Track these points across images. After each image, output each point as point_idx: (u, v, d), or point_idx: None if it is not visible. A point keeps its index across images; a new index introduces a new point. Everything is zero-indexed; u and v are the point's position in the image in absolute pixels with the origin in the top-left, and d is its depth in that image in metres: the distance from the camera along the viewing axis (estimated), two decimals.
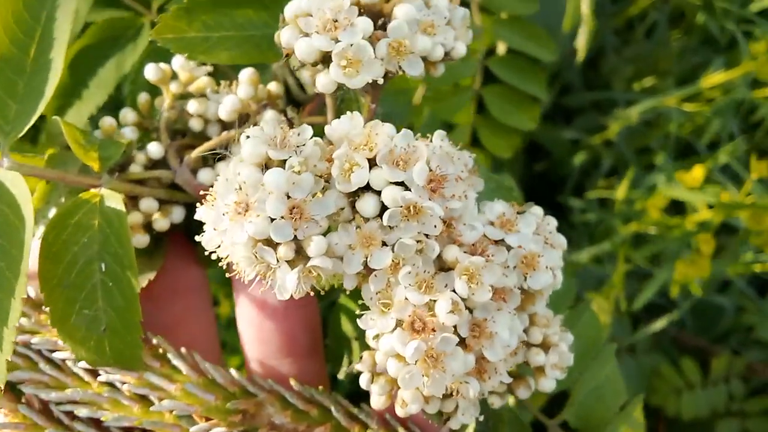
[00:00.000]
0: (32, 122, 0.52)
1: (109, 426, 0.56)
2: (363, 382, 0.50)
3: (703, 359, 1.53)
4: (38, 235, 0.51)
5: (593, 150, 1.61)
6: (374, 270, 0.45)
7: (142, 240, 0.56)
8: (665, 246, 1.27)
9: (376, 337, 0.46)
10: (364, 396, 0.52)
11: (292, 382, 0.57)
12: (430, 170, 0.45)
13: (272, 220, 0.42)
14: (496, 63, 0.98)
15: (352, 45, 0.45)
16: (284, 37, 0.46)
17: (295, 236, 0.43)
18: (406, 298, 0.45)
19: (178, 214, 0.58)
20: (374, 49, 0.46)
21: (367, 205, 0.44)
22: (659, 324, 1.40)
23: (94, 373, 0.56)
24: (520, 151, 1.51)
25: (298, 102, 0.64)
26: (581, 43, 1.12)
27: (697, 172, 1.22)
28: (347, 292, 0.47)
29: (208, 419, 0.55)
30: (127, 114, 0.60)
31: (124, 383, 0.55)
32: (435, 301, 0.45)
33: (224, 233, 0.43)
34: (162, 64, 0.58)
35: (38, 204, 0.56)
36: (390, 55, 0.47)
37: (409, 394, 0.48)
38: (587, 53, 1.50)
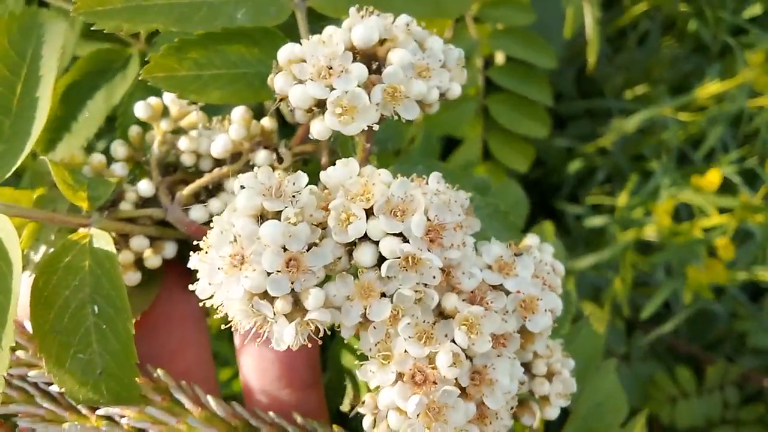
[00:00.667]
0: (19, 162, 0.51)
1: None
2: (366, 425, 0.50)
3: (698, 367, 1.53)
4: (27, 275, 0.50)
5: (587, 158, 1.61)
6: (373, 321, 0.44)
7: (134, 278, 0.56)
8: (674, 253, 1.26)
9: (377, 389, 0.46)
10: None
11: (294, 415, 0.57)
12: (428, 220, 0.44)
13: (269, 273, 0.41)
14: (497, 72, 0.97)
15: (347, 92, 0.44)
16: (278, 83, 0.45)
17: (293, 289, 0.42)
18: (406, 351, 0.44)
19: (170, 250, 0.57)
20: (369, 96, 0.45)
21: (364, 255, 0.44)
22: (658, 332, 1.40)
23: (93, 407, 0.55)
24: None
25: (291, 124, 0.63)
26: (590, 56, 1.12)
27: (713, 176, 1.21)
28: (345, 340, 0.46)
29: None
30: (118, 148, 0.59)
31: (123, 417, 0.55)
32: (435, 352, 0.44)
33: (219, 287, 0.42)
34: (152, 99, 0.57)
35: (27, 242, 0.55)
36: (385, 100, 0.46)
37: None
38: (579, 62, 1.50)
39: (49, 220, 0.53)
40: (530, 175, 1.71)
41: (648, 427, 1.54)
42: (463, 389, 0.45)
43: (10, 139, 0.52)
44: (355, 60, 0.45)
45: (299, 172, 0.44)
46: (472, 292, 0.47)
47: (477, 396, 0.46)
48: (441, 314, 0.46)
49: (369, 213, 0.44)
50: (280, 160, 0.54)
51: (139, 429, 0.55)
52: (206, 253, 0.44)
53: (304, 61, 0.45)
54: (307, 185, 0.44)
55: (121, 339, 0.50)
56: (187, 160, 0.57)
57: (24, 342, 0.56)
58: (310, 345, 0.44)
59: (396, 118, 0.47)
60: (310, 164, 0.59)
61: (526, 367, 0.54)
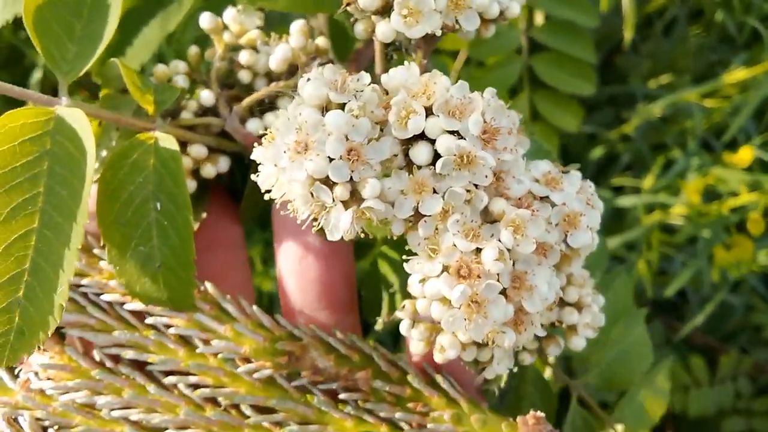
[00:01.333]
0: (90, 63, 0.53)
1: (152, 370, 0.57)
2: (403, 328, 0.52)
3: (712, 357, 1.54)
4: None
5: (610, 144, 1.62)
6: (423, 216, 0.47)
7: (190, 185, 0.58)
8: (700, 230, 1.27)
9: (422, 281, 0.48)
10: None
11: (333, 330, 0.59)
12: (485, 122, 0.46)
13: (331, 160, 0.44)
14: (540, 32, 0.99)
15: None
16: None
17: (351, 178, 0.44)
18: (454, 245, 0.46)
19: (224, 163, 0.60)
20: (434, 1, 0.47)
21: (421, 152, 0.46)
22: (689, 327, 1.40)
23: (141, 317, 0.57)
24: None
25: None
26: (627, 32, 1.13)
27: (745, 153, 1.22)
28: (394, 237, 0.48)
29: (251, 364, 0.56)
30: (179, 65, 0.61)
31: (170, 326, 0.57)
32: (481, 249, 0.46)
33: (283, 170, 0.44)
34: (215, 15, 0.59)
35: None
36: (448, 8, 0.48)
37: (448, 340, 0.49)
38: (604, 48, 1.51)
39: (115, 121, 0.55)
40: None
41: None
42: (504, 290, 0.47)
43: (82, 41, 0.54)
44: None
45: (363, 72, 0.47)
46: (519, 199, 0.49)
47: (516, 299, 0.47)
48: (487, 220, 0.48)
49: (428, 112, 0.46)
50: None
51: (186, 339, 0.58)
52: (271, 142, 0.46)
53: None
54: (370, 83, 0.46)
55: (181, 235, 0.52)
56: (244, 77, 0.60)
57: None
58: (362, 235, 0.46)
59: (457, 27, 0.49)
60: None
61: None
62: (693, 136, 1.46)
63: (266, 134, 0.47)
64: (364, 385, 0.57)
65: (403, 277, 0.51)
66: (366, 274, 0.65)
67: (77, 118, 0.50)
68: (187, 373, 0.57)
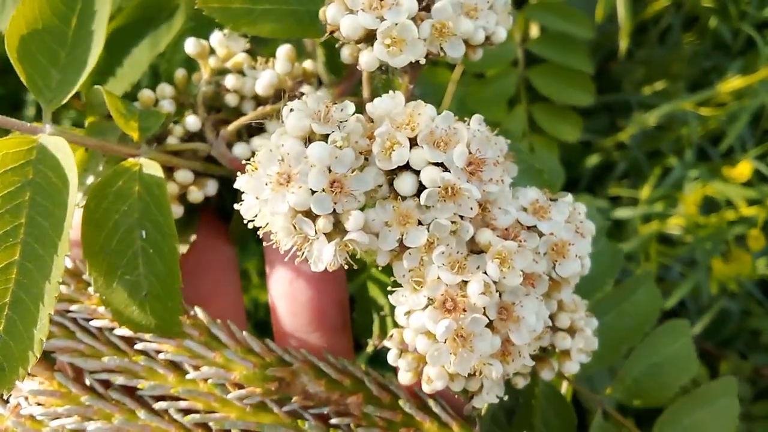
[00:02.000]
0: (74, 91, 0.53)
1: (143, 395, 0.57)
2: (391, 358, 0.51)
3: (711, 363, 1.53)
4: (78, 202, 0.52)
5: (605, 152, 1.62)
6: (408, 248, 0.46)
7: (176, 211, 0.57)
8: (700, 244, 1.27)
9: (407, 313, 0.47)
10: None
11: (325, 354, 0.58)
12: (470, 153, 0.45)
13: (313, 192, 0.43)
14: (535, 44, 0.99)
15: (397, 24, 0.46)
16: (330, 13, 0.47)
17: (334, 210, 0.44)
18: (439, 278, 0.45)
19: (211, 187, 0.59)
20: (418, 29, 0.46)
21: (405, 183, 0.45)
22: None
23: (130, 342, 0.57)
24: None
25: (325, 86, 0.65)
26: (623, 41, 1.13)
27: (743, 167, 1.22)
28: (379, 268, 0.48)
29: (241, 388, 0.56)
30: (165, 88, 0.61)
31: (160, 352, 0.56)
32: (467, 281, 0.45)
33: (265, 202, 0.44)
34: (201, 40, 0.59)
35: (78, 169, 0.56)
36: (433, 35, 0.47)
37: (435, 372, 0.49)
38: (598, 56, 1.51)
39: (100, 148, 0.55)
40: None
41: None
42: (490, 323, 0.46)
43: (66, 68, 0.54)
44: None
45: (347, 101, 0.46)
46: (506, 230, 0.48)
47: (503, 331, 0.47)
48: (473, 251, 0.48)
49: (412, 143, 0.45)
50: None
51: (176, 363, 0.57)
52: (254, 172, 0.45)
53: None
54: (354, 113, 0.46)
55: (167, 263, 0.52)
56: (231, 100, 0.59)
57: (66, 278, 0.58)
58: (346, 267, 0.45)
59: (442, 55, 0.48)
60: None
61: (550, 319, 0.55)
62: (689, 144, 1.45)
63: (253, 159, 0.47)
64: (356, 409, 0.56)
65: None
66: (357, 297, 0.65)
67: (60, 147, 0.50)
68: (178, 399, 0.57)
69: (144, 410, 0.56)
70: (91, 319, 0.58)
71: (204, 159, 0.59)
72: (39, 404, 0.57)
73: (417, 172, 0.45)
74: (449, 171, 0.45)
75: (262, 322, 1.29)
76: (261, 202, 0.44)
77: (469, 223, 0.46)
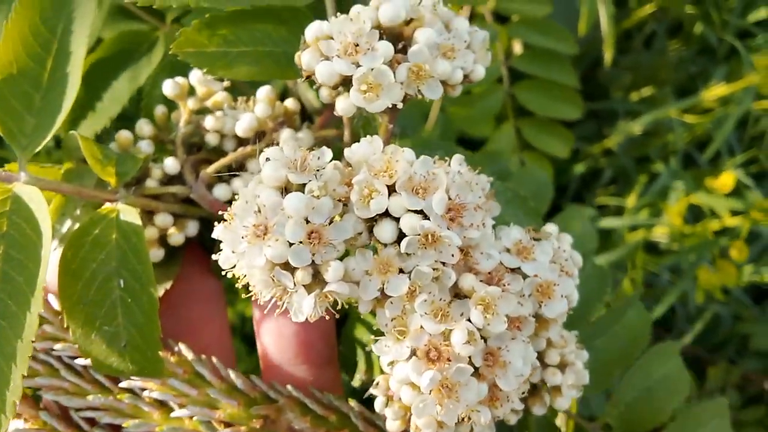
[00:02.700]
0: (49, 137, 0.52)
1: None
2: (377, 406, 0.51)
3: (700, 368, 1.54)
4: (54, 248, 0.52)
5: (593, 159, 1.62)
6: (390, 296, 0.45)
7: (157, 254, 0.57)
8: (686, 254, 1.27)
9: (391, 363, 0.47)
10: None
11: (311, 389, 0.58)
12: (450, 199, 0.45)
13: (291, 244, 0.42)
14: (519, 60, 0.99)
15: (372, 70, 0.45)
16: (305, 59, 0.47)
17: (313, 261, 0.43)
18: (422, 327, 0.45)
19: (192, 228, 0.58)
20: (394, 74, 0.46)
21: (385, 231, 0.45)
22: (672, 337, 1.40)
23: (115, 380, 0.57)
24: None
25: (310, 114, 0.65)
26: (607, 52, 1.13)
27: (727, 178, 1.22)
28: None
29: (227, 425, 0.55)
30: (144, 127, 0.60)
31: (145, 390, 0.56)
32: (450, 330, 0.45)
33: (242, 255, 0.43)
34: (179, 79, 0.58)
35: (53, 216, 0.56)
36: (410, 78, 0.47)
37: (424, 421, 0.48)
38: (585, 63, 1.51)
39: (77, 194, 0.54)
40: None
41: None
42: (476, 369, 0.46)
43: (41, 113, 0.53)
44: (381, 38, 0.46)
45: (324, 147, 0.45)
46: (489, 273, 0.48)
47: (489, 377, 0.46)
48: (457, 295, 0.47)
49: (391, 190, 0.45)
50: (310, 120, 0.55)
51: (161, 401, 0.57)
52: (230, 223, 0.45)
53: (332, 38, 0.46)
54: (331, 161, 0.45)
55: (146, 313, 0.51)
56: (211, 139, 0.58)
57: (49, 316, 0.58)
58: (327, 317, 0.45)
59: (420, 97, 0.48)
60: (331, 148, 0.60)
61: (539, 356, 0.55)
62: (674, 153, 1.46)
63: (229, 209, 0.46)
64: None
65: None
66: (343, 331, 0.64)
67: (34, 197, 0.49)
68: None
69: None
70: (76, 358, 0.57)
71: (184, 201, 0.58)
72: None
73: (397, 219, 0.45)
74: (429, 218, 0.44)
75: (249, 335, 1.28)
76: (238, 255, 0.44)
77: (451, 269, 0.45)
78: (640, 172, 1.57)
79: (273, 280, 0.43)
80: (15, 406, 0.44)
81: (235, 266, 0.45)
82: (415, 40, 0.47)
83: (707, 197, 1.26)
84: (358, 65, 0.45)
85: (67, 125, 0.66)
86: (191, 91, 0.60)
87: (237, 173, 0.55)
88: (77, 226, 0.52)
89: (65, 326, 0.50)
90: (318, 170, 0.44)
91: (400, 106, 0.47)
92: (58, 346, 0.57)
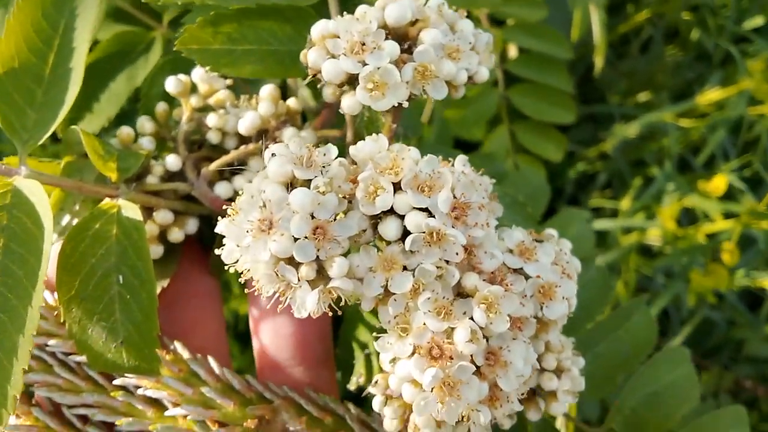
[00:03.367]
0: (51, 131, 0.52)
1: (121, 430, 0.56)
2: (376, 405, 0.50)
3: None
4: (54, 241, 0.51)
5: (589, 162, 1.62)
6: (394, 293, 0.45)
7: (156, 251, 0.56)
8: (678, 257, 1.28)
9: (393, 360, 0.47)
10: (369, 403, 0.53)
11: (307, 390, 0.58)
12: (455, 197, 0.45)
13: (296, 239, 0.42)
14: (514, 64, 0.99)
15: (379, 68, 0.45)
16: (311, 57, 0.47)
17: (317, 256, 0.43)
18: (425, 324, 0.45)
19: (192, 225, 0.58)
20: (400, 73, 0.46)
21: (389, 228, 0.45)
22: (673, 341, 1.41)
23: (109, 378, 0.56)
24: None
25: (305, 113, 0.64)
26: (598, 59, 1.14)
27: (719, 181, 1.23)
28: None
29: (221, 425, 0.55)
30: (145, 124, 0.60)
31: (139, 387, 0.56)
32: (453, 328, 0.45)
33: (246, 249, 0.43)
34: (182, 76, 0.58)
35: (53, 211, 0.55)
36: (415, 78, 0.47)
37: (423, 420, 0.48)
38: (582, 67, 1.52)
39: (77, 189, 0.53)
40: None
41: None
42: (477, 369, 0.46)
43: (42, 107, 0.52)
44: (387, 38, 0.46)
45: (329, 144, 0.45)
46: (492, 273, 0.48)
47: (490, 377, 0.46)
48: (460, 294, 0.47)
49: (396, 187, 0.45)
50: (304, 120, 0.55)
51: (155, 399, 0.56)
52: (234, 218, 0.45)
53: (338, 36, 0.46)
54: (336, 157, 0.45)
55: (144, 310, 0.51)
56: (213, 137, 0.58)
57: (44, 312, 0.57)
58: (325, 319, 0.45)
59: (424, 97, 0.48)
60: None
61: (536, 360, 0.55)
62: (669, 157, 1.47)
63: (233, 202, 0.46)
64: None
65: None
66: (341, 334, 0.64)
67: (35, 191, 0.49)
68: None
69: None
70: (70, 354, 0.57)
71: (184, 198, 0.58)
72: None
73: (401, 217, 0.45)
74: (434, 216, 0.44)
75: (242, 334, 1.28)
76: (242, 249, 0.43)
77: (454, 267, 0.46)
78: (636, 176, 1.58)
79: (277, 274, 0.43)
80: (16, 401, 0.44)
81: (237, 261, 0.45)
82: (420, 40, 0.47)
83: (700, 200, 1.26)
84: (364, 64, 0.45)
85: (65, 125, 0.66)
86: (193, 89, 0.59)
87: (240, 168, 0.55)
88: (76, 221, 0.52)
89: (61, 321, 0.49)
90: (324, 167, 0.44)
91: (405, 105, 0.47)
92: (52, 342, 0.56)
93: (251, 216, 0.43)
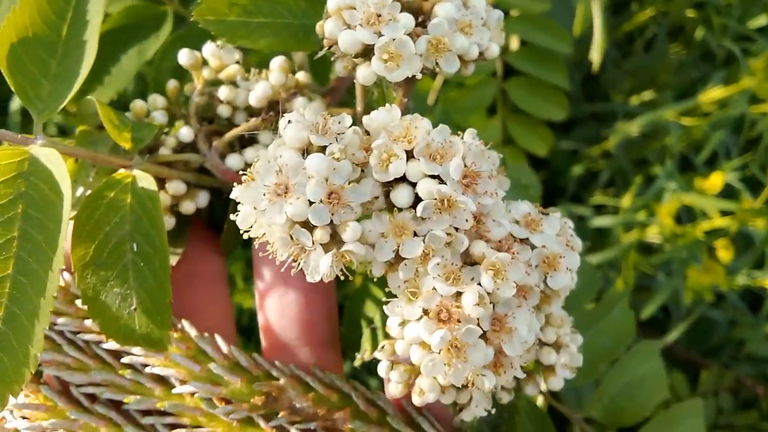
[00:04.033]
0: (66, 101, 0.53)
1: (129, 409, 0.56)
2: (381, 370, 0.51)
3: (694, 372, 1.54)
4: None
5: (592, 161, 1.63)
6: (404, 259, 0.46)
7: (168, 222, 0.57)
8: (676, 253, 1.29)
9: (402, 324, 0.47)
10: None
11: (312, 369, 0.58)
12: (465, 166, 0.46)
13: (311, 203, 0.43)
14: (515, 57, 1.00)
15: (394, 40, 0.46)
16: (328, 28, 0.47)
17: (331, 221, 0.44)
18: (434, 288, 0.46)
19: (203, 198, 0.59)
20: (414, 45, 0.47)
21: (401, 195, 0.46)
22: (665, 341, 1.41)
23: (117, 356, 0.57)
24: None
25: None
26: (595, 55, 1.15)
27: (716, 179, 1.24)
28: (374, 279, 0.48)
29: (228, 403, 0.55)
30: (157, 99, 0.61)
31: (147, 365, 0.56)
32: (461, 292, 0.46)
33: (262, 213, 0.44)
34: (194, 51, 0.59)
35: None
36: (429, 51, 0.48)
37: (428, 383, 0.49)
38: (586, 65, 1.53)
39: (92, 159, 0.54)
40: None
41: None
42: (483, 334, 0.47)
43: (57, 79, 0.53)
44: (402, 11, 0.47)
45: (344, 113, 0.46)
46: (499, 242, 0.49)
47: (496, 342, 0.47)
48: (467, 262, 0.48)
49: (409, 156, 0.46)
50: None
51: (162, 377, 0.57)
52: (250, 183, 0.45)
53: (354, 8, 0.47)
54: (351, 126, 0.46)
55: (158, 277, 0.51)
56: (224, 111, 0.59)
57: None
58: (342, 277, 0.46)
59: (437, 69, 0.49)
60: None
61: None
62: (671, 155, 1.47)
63: (246, 171, 0.47)
64: (343, 425, 0.56)
65: (385, 313, 0.51)
66: (345, 311, 0.65)
67: (53, 159, 0.49)
68: (164, 413, 0.56)
69: (130, 425, 0.56)
70: (79, 333, 0.57)
71: (196, 170, 0.59)
72: (24, 418, 0.56)
73: (413, 185, 0.46)
74: (445, 183, 0.45)
75: (246, 328, 1.28)
76: (258, 213, 0.44)
77: (463, 235, 0.46)
78: (638, 174, 1.59)
79: (291, 238, 0.44)
80: (37, 360, 0.45)
81: (252, 226, 0.46)
82: (435, 13, 0.48)
83: (697, 198, 1.27)
84: (380, 35, 0.46)
85: (75, 96, 0.66)
86: (205, 64, 0.60)
87: (253, 137, 0.56)
88: (89, 192, 0.53)
89: (76, 285, 0.50)
90: (338, 134, 0.45)
91: (419, 77, 0.48)
92: (60, 320, 0.57)
93: (267, 180, 0.44)
